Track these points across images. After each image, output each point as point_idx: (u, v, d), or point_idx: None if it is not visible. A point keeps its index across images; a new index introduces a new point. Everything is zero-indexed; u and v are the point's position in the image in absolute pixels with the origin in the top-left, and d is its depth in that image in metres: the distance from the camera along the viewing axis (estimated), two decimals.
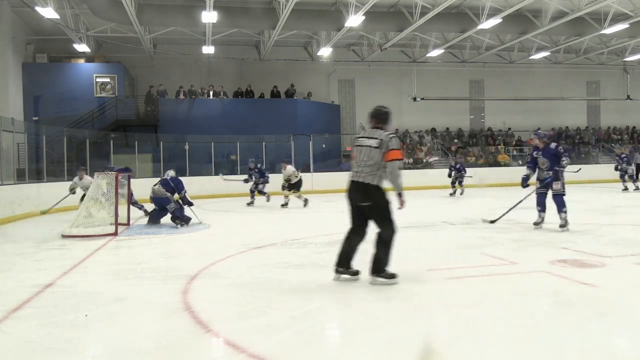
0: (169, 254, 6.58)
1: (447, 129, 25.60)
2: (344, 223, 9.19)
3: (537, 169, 7.80)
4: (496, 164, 23.01)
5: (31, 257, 6.52)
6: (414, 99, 24.81)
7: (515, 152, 24.50)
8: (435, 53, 22.29)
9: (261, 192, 13.75)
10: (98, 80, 20.36)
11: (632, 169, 15.94)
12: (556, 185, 7.41)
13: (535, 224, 7.82)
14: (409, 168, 21.58)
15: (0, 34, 17.45)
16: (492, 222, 7.98)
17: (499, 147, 24.58)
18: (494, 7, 16.79)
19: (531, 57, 23.77)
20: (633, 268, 5.12)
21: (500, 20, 17.22)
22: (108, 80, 20.42)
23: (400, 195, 4.49)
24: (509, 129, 26.16)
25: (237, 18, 17.70)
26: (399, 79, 25.09)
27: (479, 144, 24.81)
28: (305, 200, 12.87)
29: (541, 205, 7.79)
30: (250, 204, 13.70)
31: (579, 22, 18.74)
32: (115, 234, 8.23)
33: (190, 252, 6.77)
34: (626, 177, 15.93)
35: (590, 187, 16.29)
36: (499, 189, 16.93)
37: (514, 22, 18.85)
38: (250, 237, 7.74)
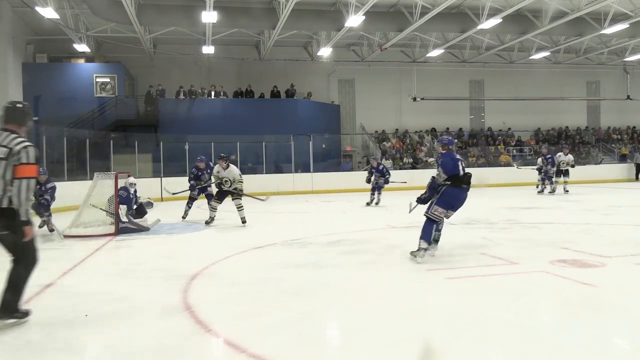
0: (169, 254, 6.58)
1: (447, 129, 25.58)
2: (344, 223, 9.21)
3: None
4: (496, 164, 22.99)
5: None
6: (414, 99, 24.81)
7: (515, 152, 24.50)
8: (435, 53, 22.29)
9: (193, 199, 10.74)
10: (98, 80, 20.37)
11: (553, 170, 15.11)
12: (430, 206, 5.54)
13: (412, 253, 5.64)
14: (409, 168, 21.59)
15: (0, 34, 17.45)
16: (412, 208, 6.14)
17: (499, 147, 24.59)
18: (494, 7, 16.78)
19: (531, 57, 23.76)
20: (633, 268, 5.12)
21: (500, 20, 17.21)
22: (108, 80, 20.42)
23: (25, 223, 3.48)
24: (509, 129, 26.16)
25: (237, 18, 17.69)
26: (399, 79, 25.08)
27: (479, 144, 24.82)
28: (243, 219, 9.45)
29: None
30: (185, 217, 10.53)
31: (579, 22, 18.73)
32: (115, 234, 8.22)
33: (190, 252, 6.78)
34: (545, 179, 15.18)
35: (590, 187, 16.26)
36: (499, 189, 16.94)
37: (514, 22, 18.84)
38: (250, 237, 7.74)
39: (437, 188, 5.53)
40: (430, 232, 5.47)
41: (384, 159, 21.67)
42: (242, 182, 9.43)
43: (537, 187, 15.67)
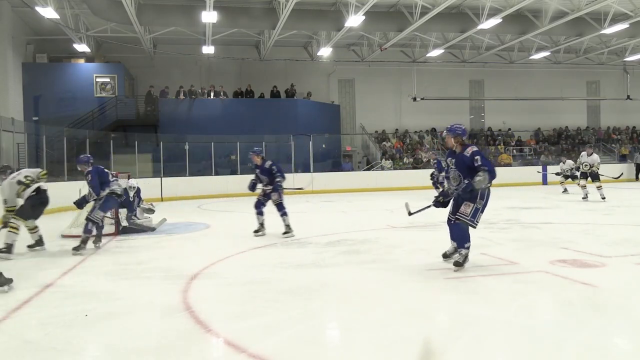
0: (169, 254, 6.58)
1: None
2: (344, 223, 9.22)
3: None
4: (496, 164, 23.00)
5: (31, 257, 6.52)
6: (414, 99, 24.82)
7: (515, 152, 24.51)
8: (435, 53, 22.29)
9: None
10: (98, 80, 20.37)
11: (442, 176, 13.72)
12: (465, 208, 4.94)
13: (445, 256, 5.39)
14: (409, 168, 21.60)
15: (0, 34, 17.45)
16: (410, 214, 5.67)
17: (499, 147, 24.60)
18: (494, 7, 16.79)
19: (531, 57, 23.78)
20: (633, 268, 5.12)
21: (500, 20, 17.22)
22: (108, 80, 20.42)
23: None
24: (509, 129, 26.16)
25: (237, 18, 17.70)
26: (399, 79, 25.09)
27: (479, 144, 24.81)
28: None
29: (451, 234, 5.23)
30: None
31: (579, 22, 18.74)
32: (116, 234, 8.22)
33: (190, 252, 6.78)
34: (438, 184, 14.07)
35: (590, 187, 16.24)
36: (499, 189, 16.94)
37: (514, 22, 18.85)
38: (250, 237, 7.73)
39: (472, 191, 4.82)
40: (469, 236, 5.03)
41: (383, 159, 21.66)
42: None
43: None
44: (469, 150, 4.88)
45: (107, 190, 6.83)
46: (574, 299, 3.98)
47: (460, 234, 5.03)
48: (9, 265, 5.93)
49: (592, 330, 3.33)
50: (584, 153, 13.65)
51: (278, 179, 7.68)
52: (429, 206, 5.47)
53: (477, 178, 4.74)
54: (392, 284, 4.66)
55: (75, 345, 3.26)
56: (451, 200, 5.18)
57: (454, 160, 5.03)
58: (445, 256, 5.37)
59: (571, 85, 26.98)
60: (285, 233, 7.58)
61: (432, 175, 14.72)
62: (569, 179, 15.67)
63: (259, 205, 7.84)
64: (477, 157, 4.79)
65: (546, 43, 22.56)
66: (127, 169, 14.03)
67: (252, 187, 7.91)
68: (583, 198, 13.01)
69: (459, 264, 5.00)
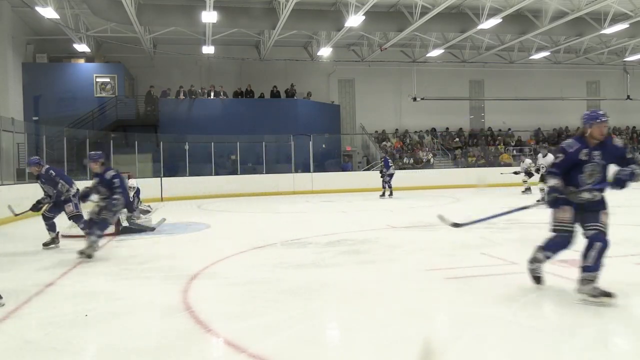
0: (169, 254, 6.58)
1: (447, 129, 25.61)
2: (344, 223, 9.22)
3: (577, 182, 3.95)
4: (496, 164, 22.97)
5: (31, 257, 6.52)
6: (414, 99, 24.82)
7: (515, 152, 24.50)
8: (435, 53, 22.30)
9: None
10: (98, 80, 20.38)
11: (388, 173, 15.19)
12: (604, 217, 3.87)
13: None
14: (409, 168, 21.60)
15: (0, 34, 17.45)
16: (457, 225, 4.90)
17: (499, 147, 24.59)
18: (494, 7, 16.79)
19: (531, 57, 23.78)
20: (633, 268, 5.13)
21: (500, 20, 17.22)
22: (108, 80, 20.43)
23: None
24: (509, 129, 26.17)
25: (237, 18, 17.71)
26: (399, 79, 25.09)
27: (479, 144, 24.83)
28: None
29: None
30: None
31: (579, 22, 18.74)
32: (116, 234, 8.22)
33: (190, 252, 6.78)
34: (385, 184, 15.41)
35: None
36: (499, 189, 16.93)
37: (514, 22, 18.85)
38: (250, 237, 7.74)
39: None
40: None
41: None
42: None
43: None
44: (618, 141, 4.01)
45: (75, 188, 6.94)
46: (574, 299, 3.98)
47: (603, 252, 3.76)
48: (9, 266, 5.94)
49: (592, 330, 3.33)
50: (539, 155, 12.63)
51: (116, 196, 6.27)
52: (525, 207, 4.96)
53: (639, 170, 3.77)
54: (392, 284, 4.67)
55: (75, 345, 3.27)
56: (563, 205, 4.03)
57: (599, 152, 3.84)
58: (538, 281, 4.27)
59: (571, 85, 26.97)
60: (81, 253, 6.15)
61: (381, 172, 15.28)
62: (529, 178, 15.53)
63: (92, 227, 6.32)
64: (624, 145, 4.00)
65: (546, 43, 22.56)
66: (127, 169, 14.02)
67: (85, 196, 6.58)
68: (538, 201, 11.39)
69: (610, 295, 3.73)
